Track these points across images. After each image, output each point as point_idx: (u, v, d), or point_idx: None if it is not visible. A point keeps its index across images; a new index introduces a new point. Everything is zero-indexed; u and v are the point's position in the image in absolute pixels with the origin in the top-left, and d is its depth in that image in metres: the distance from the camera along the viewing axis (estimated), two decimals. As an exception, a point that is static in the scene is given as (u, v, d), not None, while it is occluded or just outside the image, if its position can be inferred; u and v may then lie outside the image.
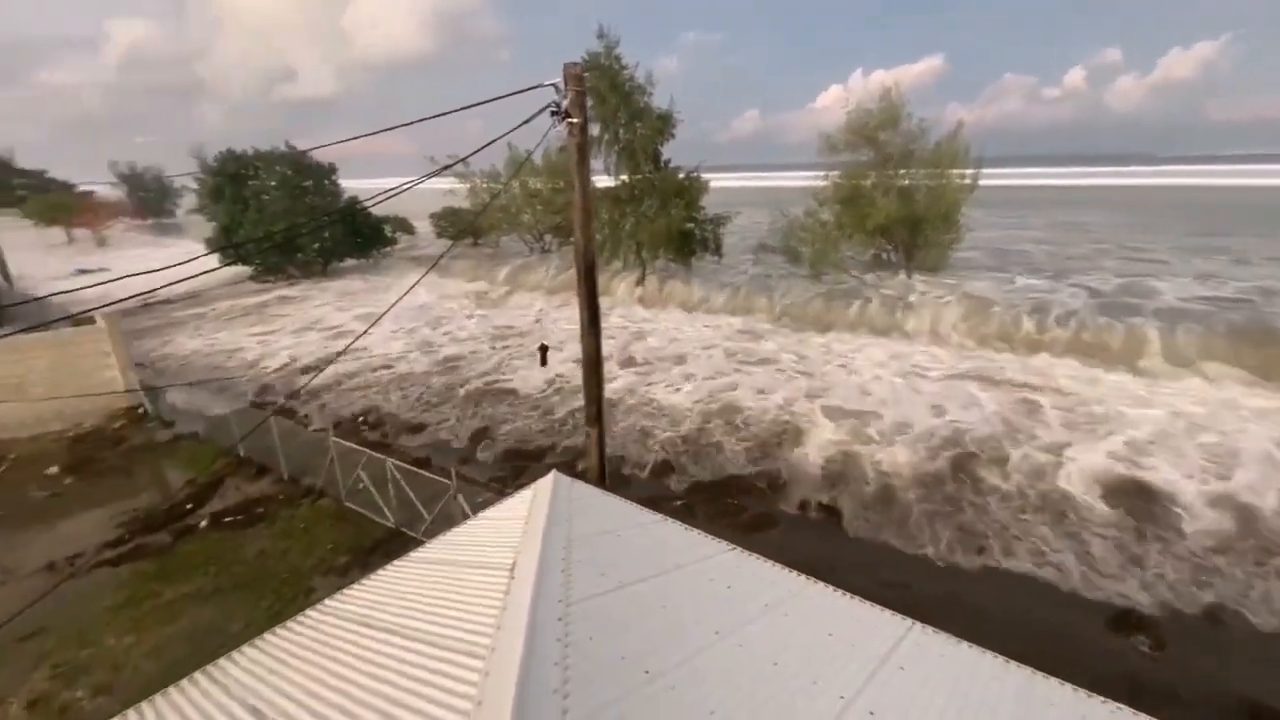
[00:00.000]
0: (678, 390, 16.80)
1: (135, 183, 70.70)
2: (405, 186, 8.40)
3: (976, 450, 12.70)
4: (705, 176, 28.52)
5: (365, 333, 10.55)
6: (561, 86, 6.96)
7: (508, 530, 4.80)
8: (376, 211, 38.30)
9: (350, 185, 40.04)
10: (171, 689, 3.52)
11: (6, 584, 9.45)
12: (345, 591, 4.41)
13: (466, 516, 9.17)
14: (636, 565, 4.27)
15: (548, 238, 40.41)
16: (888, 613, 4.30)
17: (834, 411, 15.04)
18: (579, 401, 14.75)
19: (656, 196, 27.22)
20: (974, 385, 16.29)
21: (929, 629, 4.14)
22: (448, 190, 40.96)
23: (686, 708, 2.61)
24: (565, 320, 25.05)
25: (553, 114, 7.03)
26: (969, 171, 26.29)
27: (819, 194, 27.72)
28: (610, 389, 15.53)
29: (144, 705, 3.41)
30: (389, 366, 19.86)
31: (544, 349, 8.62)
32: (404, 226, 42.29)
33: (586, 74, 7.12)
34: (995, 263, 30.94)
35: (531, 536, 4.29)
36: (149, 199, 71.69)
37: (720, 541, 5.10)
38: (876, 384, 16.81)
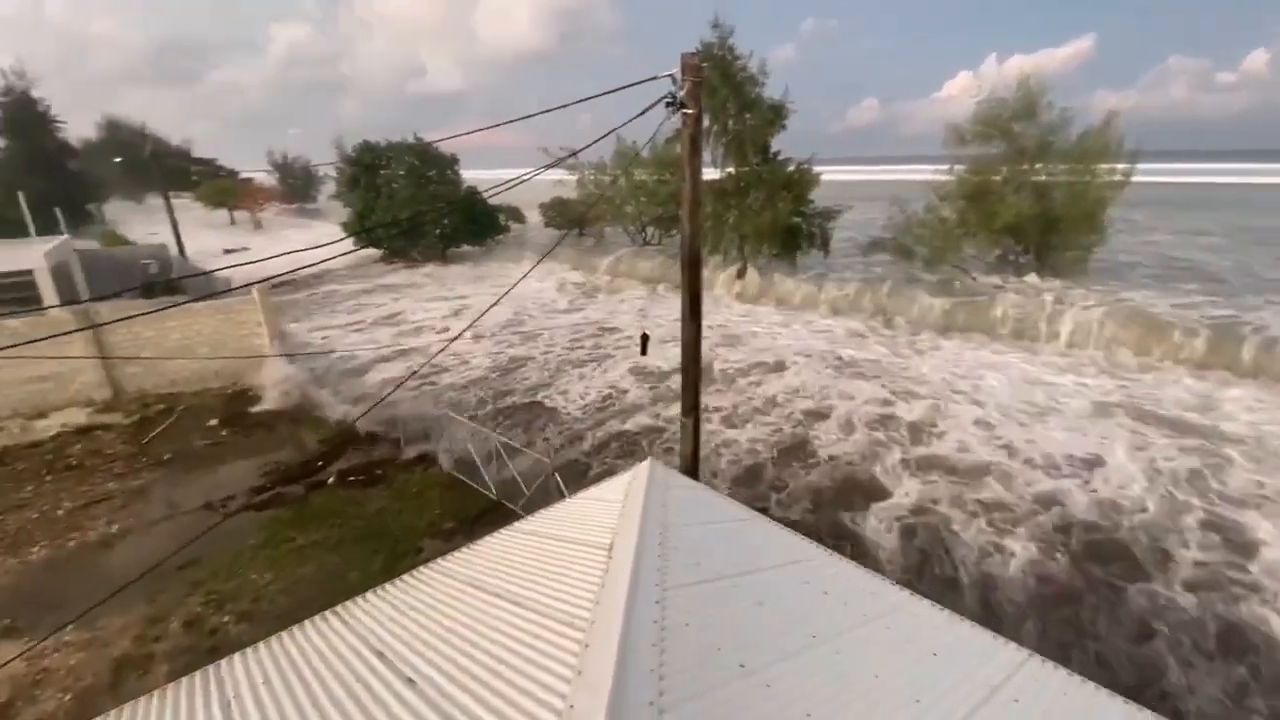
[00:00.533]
0: (764, 408, 15.16)
1: (286, 171, 78.71)
2: (523, 178, 8.79)
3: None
4: (817, 169, 27.52)
5: (482, 315, 11.16)
6: (678, 77, 6.99)
7: (604, 511, 4.92)
8: (491, 200, 40.30)
9: (468, 175, 42.34)
10: (307, 623, 3.93)
11: (172, 519, 10.91)
12: (454, 554, 4.72)
13: (562, 495, 9.54)
14: (731, 559, 4.24)
15: (649, 229, 40.76)
16: (1000, 639, 4.01)
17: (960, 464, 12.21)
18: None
19: (763, 189, 26.65)
20: (1141, 423, 13.88)
21: (1049, 663, 3.82)
22: (557, 181, 42.34)
23: (782, 707, 2.56)
24: (663, 313, 25.11)
25: (668, 105, 7.07)
26: (1121, 166, 23.58)
27: (941, 189, 25.96)
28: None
29: (284, 634, 3.83)
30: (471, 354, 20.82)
31: (645, 337, 8.73)
32: (516, 216, 44.24)
33: (705, 64, 7.09)
34: (1162, 272, 27.17)
35: (628, 520, 4.38)
36: (296, 186, 79.59)
37: (818, 546, 4.96)
38: (1006, 410, 14.60)
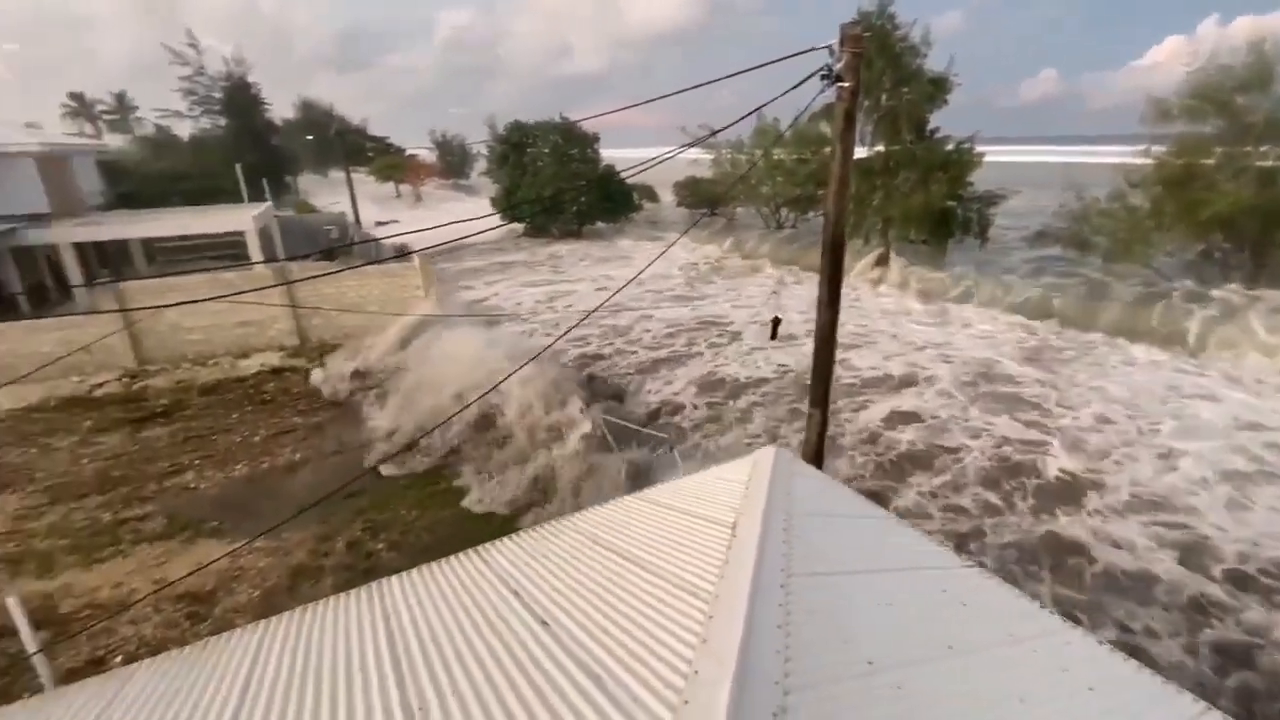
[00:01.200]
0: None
1: (445, 149, 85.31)
2: (662, 158, 8.82)
3: None
4: (980, 149, 25.02)
5: (624, 288, 11.53)
6: (835, 49, 6.63)
7: (727, 491, 4.92)
8: (628, 180, 41.10)
9: (607, 154, 43.40)
10: (452, 558, 4.34)
11: (343, 454, 12.46)
12: (582, 513, 4.96)
13: (678, 469, 9.70)
14: (859, 554, 4.08)
15: (784, 211, 39.45)
16: (1173, 686, 3.51)
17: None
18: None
19: (916, 169, 24.69)
20: None
21: (1234, 722, 3.29)
22: (692, 160, 42.17)
23: (912, 710, 2.44)
24: (787, 303, 24.30)
25: (823, 78, 6.75)
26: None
27: (1132, 173, 22.49)
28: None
29: (433, 565, 4.26)
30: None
31: (776, 321, 8.53)
32: (649, 194, 44.81)
33: (867, 34, 6.65)
34: None
35: (753, 501, 4.34)
36: (453, 162, 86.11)
37: (957, 555, 4.63)
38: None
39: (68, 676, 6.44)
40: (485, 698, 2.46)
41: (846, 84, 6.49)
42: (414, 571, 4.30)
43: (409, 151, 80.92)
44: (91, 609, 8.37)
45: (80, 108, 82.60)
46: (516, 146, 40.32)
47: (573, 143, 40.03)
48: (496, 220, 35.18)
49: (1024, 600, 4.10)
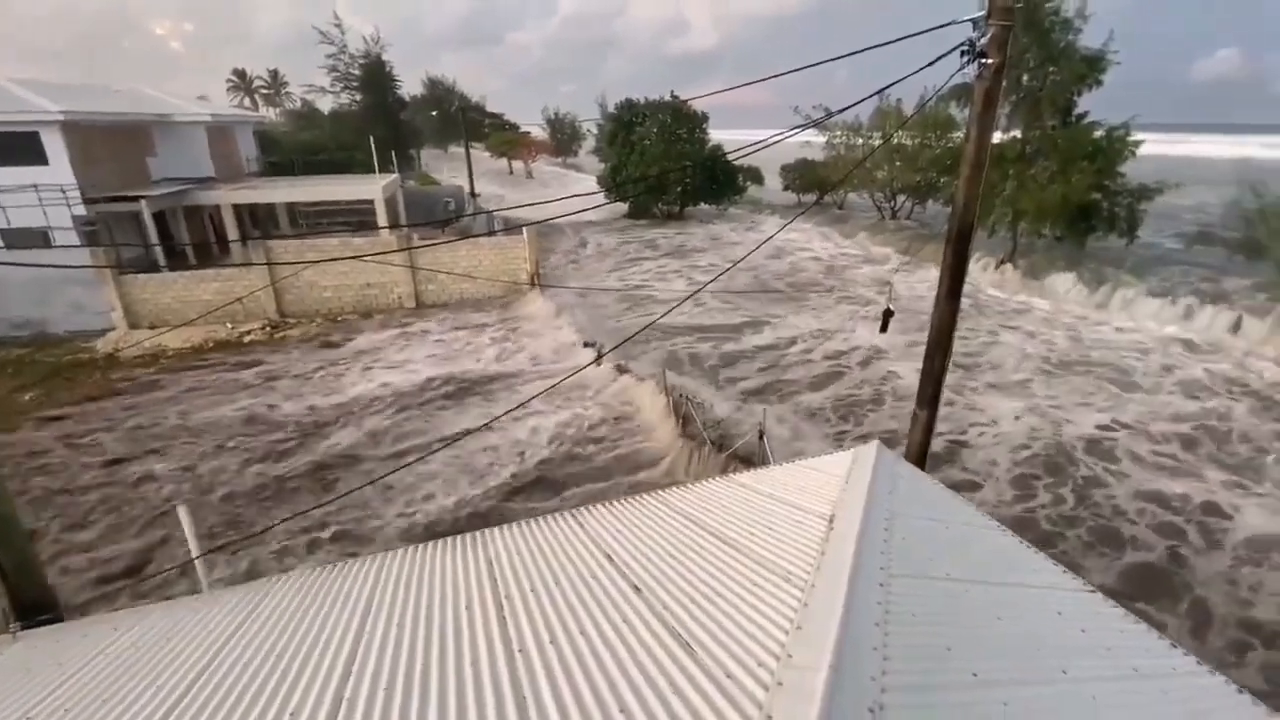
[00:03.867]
0: None
1: (556, 126, 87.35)
2: (775, 139, 8.53)
3: None
4: (1138, 136, 22.27)
5: (722, 275, 11.44)
6: (982, 22, 6.11)
7: (824, 483, 4.79)
8: (735, 161, 40.25)
9: (717, 135, 42.65)
10: (547, 517, 4.55)
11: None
12: (672, 489, 5.02)
13: (769, 458, 9.55)
14: (965, 562, 3.86)
15: (899, 199, 37.24)
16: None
17: None
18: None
19: (1055, 157, 22.40)
20: None
21: None
22: (804, 143, 40.58)
23: (1020, 731, 2.30)
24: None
25: (963, 54, 6.26)
26: None
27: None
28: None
29: (529, 521, 4.49)
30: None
31: (888, 313, 8.13)
32: (755, 177, 43.63)
33: (1019, 4, 6.08)
34: None
35: (853, 496, 4.20)
36: (563, 140, 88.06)
37: (1074, 577, 4.26)
38: None
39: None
40: (580, 649, 2.57)
41: (991, 60, 5.99)
42: (513, 525, 4.55)
43: (523, 128, 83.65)
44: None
45: (241, 83, 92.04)
46: (626, 125, 40.52)
47: (681, 122, 39.64)
48: (599, 199, 35.71)
49: (1154, 635, 3.72)
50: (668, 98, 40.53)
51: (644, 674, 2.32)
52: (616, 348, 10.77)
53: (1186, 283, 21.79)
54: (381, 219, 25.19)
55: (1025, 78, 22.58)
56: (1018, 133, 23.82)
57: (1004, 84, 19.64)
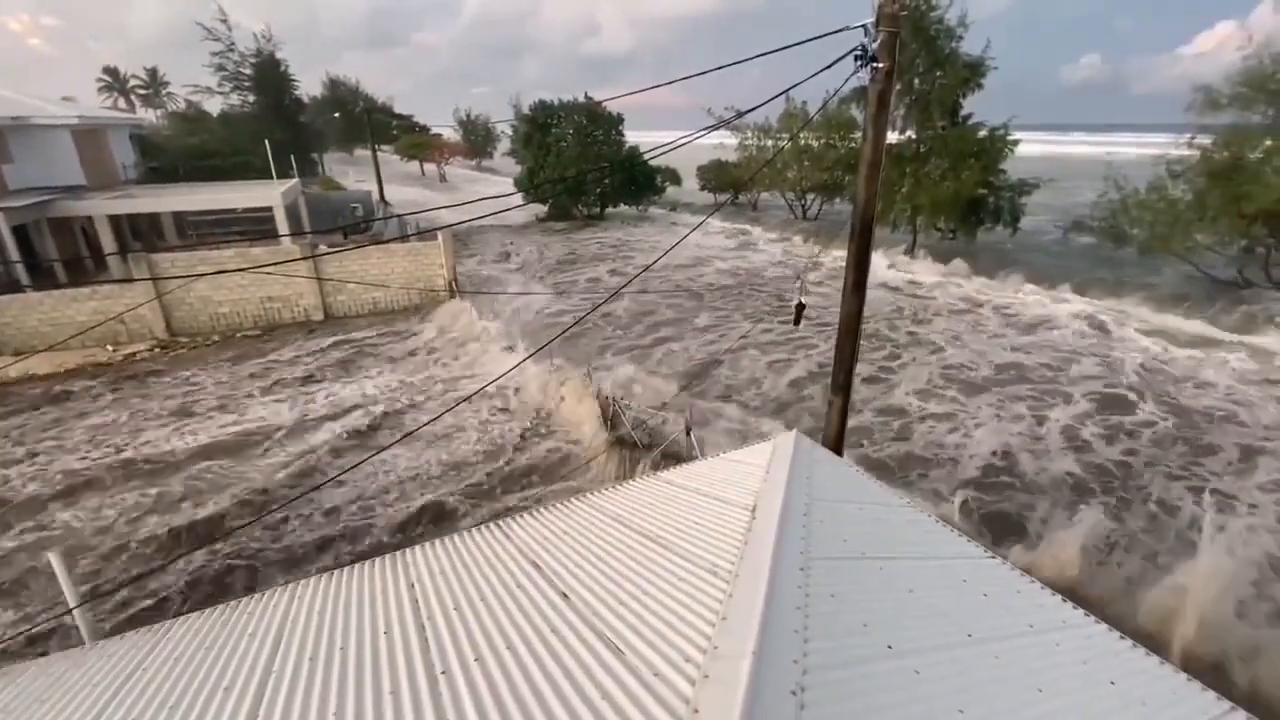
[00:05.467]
0: None
1: (469, 128, 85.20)
2: (683, 140, 8.69)
3: None
4: (1014, 135, 24.34)
5: (645, 271, 11.47)
6: (871, 28, 6.47)
7: (747, 474, 4.92)
8: (652, 162, 40.69)
9: (632, 136, 42.97)
10: (474, 530, 4.41)
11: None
12: (600, 491, 5.00)
13: (694, 454, 9.72)
14: (879, 541, 4.06)
15: (809, 198, 38.88)
16: (1197, 685, 3.46)
17: None
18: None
19: (947, 156, 24.11)
20: None
21: (1257, 723, 3.24)
22: (717, 144, 41.58)
23: (931, 697, 2.44)
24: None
25: (857, 59, 6.60)
26: None
27: (1175, 164, 21.75)
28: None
29: (454, 536, 4.34)
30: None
31: (800, 307, 8.45)
32: (673, 178, 44.31)
33: (904, 13, 6.47)
34: None
35: (773, 485, 4.33)
36: (476, 142, 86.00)
37: (978, 545, 4.58)
38: None
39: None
40: (506, 664, 2.51)
41: (881, 65, 6.34)
42: (436, 542, 4.38)
43: (433, 130, 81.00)
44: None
45: (115, 82, 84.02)
46: (541, 127, 40.11)
47: (597, 123, 39.68)
48: (517, 200, 35.14)
49: (1047, 593, 4.05)
50: (582, 99, 40.46)
51: (572, 682, 2.29)
52: (534, 354, 10.61)
53: (1063, 265, 24.06)
54: (282, 226, 23.69)
55: (916, 82, 24.18)
56: (912, 133, 25.44)
57: (897, 87, 20.76)
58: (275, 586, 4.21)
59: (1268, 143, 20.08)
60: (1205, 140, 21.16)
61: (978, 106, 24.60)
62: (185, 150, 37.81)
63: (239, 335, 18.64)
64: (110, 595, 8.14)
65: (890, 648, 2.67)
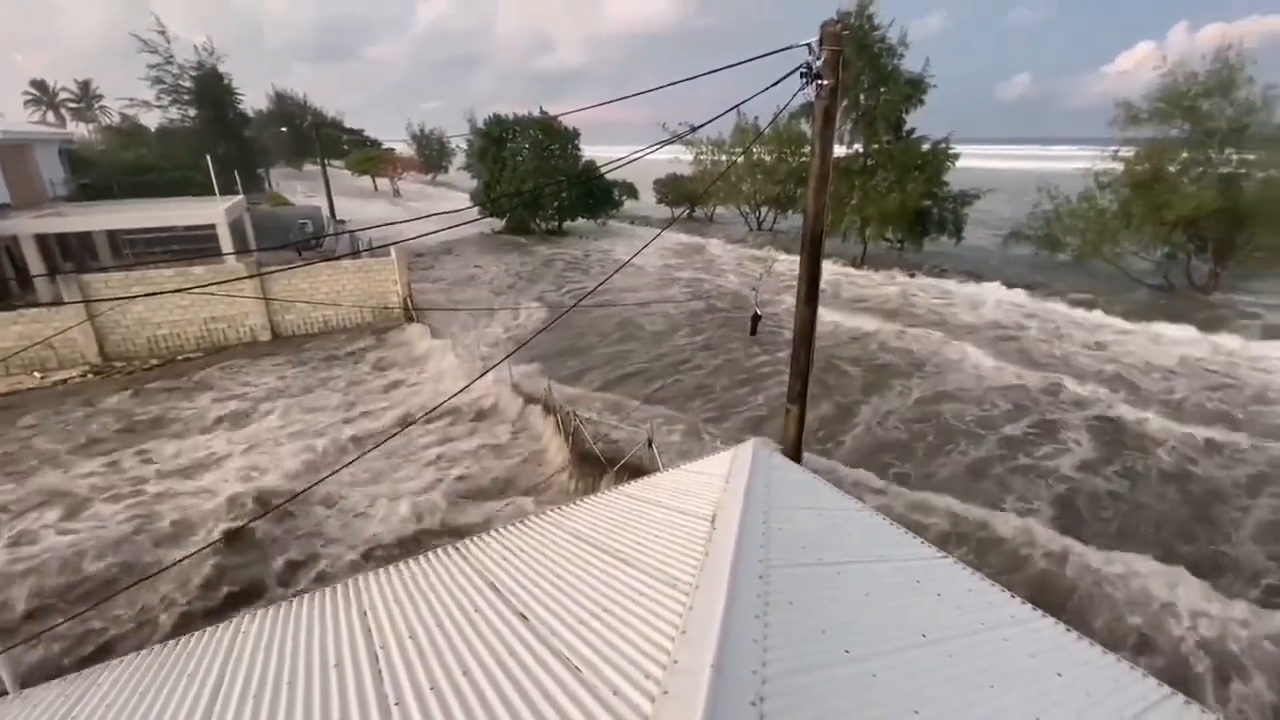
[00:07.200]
0: None
1: (422, 142, 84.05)
2: (639, 154, 8.78)
3: None
4: (955, 149, 25.42)
5: (605, 281, 11.48)
6: (815, 47, 6.68)
7: (707, 485, 4.94)
8: (609, 176, 40.87)
9: (589, 151, 43.11)
10: (430, 554, 4.30)
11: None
12: (561, 508, 4.94)
13: (656, 465, 9.71)
14: (837, 546, 4.13)
15: (764, 210, 39.69)
16: (1139, 672, 3.63)
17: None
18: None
19: (893, 169, 25.02)
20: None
21: (1194, 704, 3.41)
22: (673, 159, 42.11)
23: (888, 699, 2.48)
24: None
25: (802, 76, 6.78)
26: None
27: (1102, 175, 23.09)
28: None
29: (410, 561, 4.21)
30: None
31: (756, 317, 8.59)
32: (630, 191, 44.60)
33: (846, 32, 6.71)
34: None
35: (732, 495, 4.37)
36: (431, 157, 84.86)
37: (930, 546, 4.70)
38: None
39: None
40: (462, 691, 2.44)
41: (826, 82, 6.54)
42: (391, 568, 4.25)
43: (386, 145, 79.60)
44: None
45: (43, 96, 79.89)
46: (496, 141, 39.84)
47: (553, 138, 39.65)
48: (473, 215, 34.78)
49: (996, 589, 4.19)
50: (538, 113, 40.38)
51: (529, 705, 2.25)
52: (488, 371, 10.44)
53: (1002, 270, 25.24)
54: (226, 244, 22.80)
55: (862, 98, 25.06)
56: (860, 147, 26.30)
57: (844, 103, 21.49)
58: (218, 624, 4.00)
59: (1184, 155, 21.54)
60: (1129, 153, 22.56)
61: (920, 122, 25.70)
62: (120, 166, 36.12)
63: (180, 358, 17.82)
64: (35, 640, 7.59)
65: (848, 652, 2.71)
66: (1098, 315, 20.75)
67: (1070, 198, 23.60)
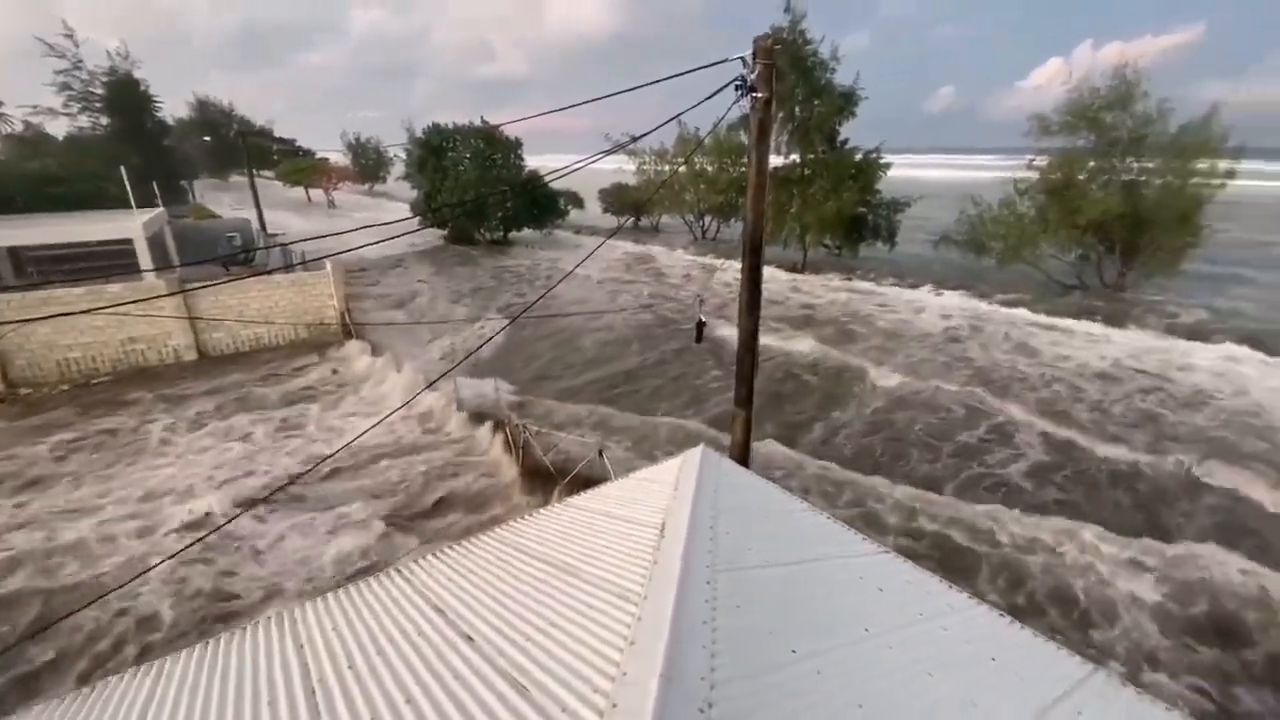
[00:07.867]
0: None
1: (359, 152, 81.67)
2: (582, 163, 8.82)
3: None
4: (886, 159, 26.58)
5: (549, 291, 11.38)
6: (749, 60, 6.86)
7: (656, 492, 4.96)
8: (553, 185, 40.70)
9: (532, 161, 42.85)
10: (371, 579, 4.13)
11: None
12: (509, 523, 4.85)
13: (608, 475, 9.68)
14: (783, 547, 4.21)
15: (707, 219, 40.36)
16: (1065, 651, 3.84)
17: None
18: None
19: (828, 178, 25.93)
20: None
21: (1115, 678, 3.63)
22: (617, 168, 42.34)
23: (833, 695, 2.54)
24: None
25: (737, 88, 6.96)
26: (1225, 164, 21.69)
27: (1020, 183, 24.60)
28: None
29: (350, 587, 4.05)
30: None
31: (701, 325, 8.71)
32: (575, 201, 44.54)
33: (778, 46, 6.92)
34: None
35: (681, 501, 4.39)
36: (368, 167, 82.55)
37: (872, 542, 4.85)
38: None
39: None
40: (404, 719, 2.36)
41: (760, 94, 6.73)
42: (330, 596, 4.07)
43: (320, 154, 76.97)
44: None
45: (-70, 101, 73.53)
46: (436, 150, 39.04)
47: (495, 147, 39.19)
48: (414, 225, 33.96)
49: (934, 580, 4.36)
50: (479, 122, 39.87)
51: (476, 730, 2.19)
52: (429, 387, 10.19)
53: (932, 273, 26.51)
54: (145, 260, 21.46)
55: (797, 110, 25.89)
56: (797, 157, 27.15)
57: (780, 115, 22.05)
58: (139, 666, 3.74)
59: (1091, 164, 23.21)
60: (1043, 162, 24.14)
61: (853, 133, 26.76)
62: (23, 177, 33.58)
63: (93, 383, 16.61)
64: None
65: (794, 651, 2.76)
66: (1022, 313, 22.04)
67: (992, 204, 25.02)
